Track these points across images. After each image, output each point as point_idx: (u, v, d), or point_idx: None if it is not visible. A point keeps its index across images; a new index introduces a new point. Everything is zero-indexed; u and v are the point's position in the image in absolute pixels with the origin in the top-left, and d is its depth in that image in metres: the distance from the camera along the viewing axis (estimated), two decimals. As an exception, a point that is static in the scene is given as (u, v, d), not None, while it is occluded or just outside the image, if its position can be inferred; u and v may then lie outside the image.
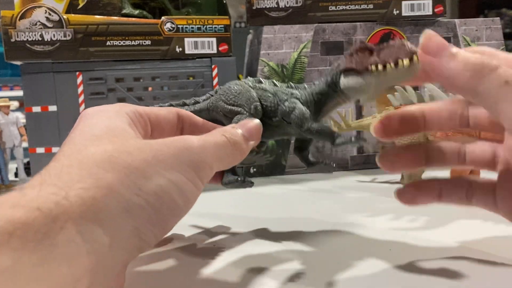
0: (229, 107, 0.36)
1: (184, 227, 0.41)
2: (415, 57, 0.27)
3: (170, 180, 0.24)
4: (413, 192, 0.33)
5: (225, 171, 0.37)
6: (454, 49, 0.26)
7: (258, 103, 0.35)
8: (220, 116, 0.38)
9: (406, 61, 0.28)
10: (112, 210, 0.21)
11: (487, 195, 0.32)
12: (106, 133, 0.25)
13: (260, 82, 0.37)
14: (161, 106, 0.39)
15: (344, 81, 0.32)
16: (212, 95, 0.39)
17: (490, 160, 0.33)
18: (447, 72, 0.26)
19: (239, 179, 0.38)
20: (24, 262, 0.18)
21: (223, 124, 0.38)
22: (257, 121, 0.32)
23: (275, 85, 0.37)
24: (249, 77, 0.38)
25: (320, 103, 0.35)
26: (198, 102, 0.40)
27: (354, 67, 0.31)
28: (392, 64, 0.28)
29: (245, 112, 0.35)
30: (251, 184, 0.38)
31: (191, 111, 0.38)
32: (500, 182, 0.32)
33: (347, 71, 0.32)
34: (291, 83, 0.37)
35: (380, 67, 0.29)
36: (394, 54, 0.29)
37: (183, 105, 0.40)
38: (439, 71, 0.26)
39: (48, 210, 0.19)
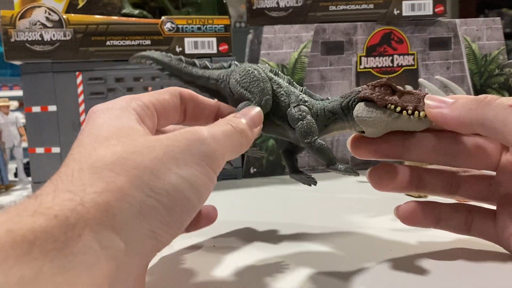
0: (240, 89, 0.34)
1: (184, 227, 0.41)
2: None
3: (182, 177, 0.24)
4: (414, 210, 0.33)
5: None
6: (451, 98, 0.30)
7: (270, 98, 0.34)
8: (225, 91, 0.36)
9: (422, 113, 0.30)
10: (126, 214, 0.21)
11: (487, 224, 0.32)
12: (114, 134, 0.25)
13: (277, 74, 0.36)
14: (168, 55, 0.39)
15: (358, 109, 0.32)
16: (224, 67, 0.37)
17: (484, 192, 0.33)
18: (455, 112, 0.29)
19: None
20: (45, 272, 0.18)
21: (225, 100, 0.37)
22: (258, 109, 0.32)
23: (290, 83, 0.36)
24: (267, 65, 0.36)
25: (328, 121, 0.34)
26: (207, 68, 0.38)
27: (374, 99, 0.31)
28: (410, 111, 0.30)
29: (254, 102, 0.33)
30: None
31: (199, 75, 0.38)
32: (501, 211, 0.32)
33: (365, 101, 0.32)
34: (306, 89, 0.36)
35: (398, 109, 0.30)
36: (414, 102, 0.31)
37: (193, 64, 0.38)
38: (448, 114, 0.29)
39: (65, 218, 0.19)
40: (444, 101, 0.30)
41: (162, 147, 0.24)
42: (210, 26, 0.63)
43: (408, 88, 0.32)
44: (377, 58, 0.68)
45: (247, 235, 0.40)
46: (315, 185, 0.36)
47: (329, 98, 0.35)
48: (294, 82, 0.36)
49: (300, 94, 0.35)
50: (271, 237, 0.39)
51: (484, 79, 0.70)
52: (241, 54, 0.75)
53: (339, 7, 0.67)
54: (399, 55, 0.69)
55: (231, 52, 0.64)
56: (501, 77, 0.70)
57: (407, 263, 0.32)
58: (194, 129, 0.26)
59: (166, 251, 0.36)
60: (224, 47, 0.63)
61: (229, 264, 0.33)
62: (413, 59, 0.69)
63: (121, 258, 0.21)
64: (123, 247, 0.21)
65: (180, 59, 0.39)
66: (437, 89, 0.53)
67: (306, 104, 0.34)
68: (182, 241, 0.37)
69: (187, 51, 0.62)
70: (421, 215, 0.33)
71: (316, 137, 0.33)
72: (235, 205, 0.52)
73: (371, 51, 0.68)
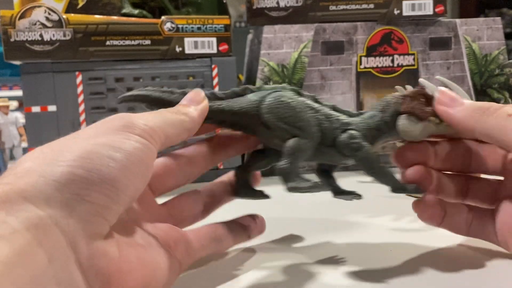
0: (284, 125, 0.30)
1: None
2: None
3: (97, 143, 0.24)
4: (431, 207, 0.33)
5: (239, 184, 0.37)
6: (463, 100, 0.31)
7: (316, 127, 0.31)
8: (252, 124, 0.32)
9: None
10: (37, 185, 0.21)
11: (486, 224, 0.32)
12: None
13: (300, 94, 0.32)
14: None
15: (404, 123, 0.31)
16: (237, 93, 0.32)
17: (490, 196, 0.33)
18: (460, 116, 0.30)
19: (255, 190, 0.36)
20: None
21: (248, 131, 0.33)
22: (202, 93, 0.32)
23: (317, 102, 0.32)
24: (285, 84, 0.32)
25: (373, 139, 0.32)
26: (219, 98, 0.32)
27: (418, 114, 0.31)
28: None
29: (305, 137, 0.30)
30: (265, 197, 0.37)
31: (214, 109, 0.32)
32: (503, 211, 0.32)
33: (408, 115, 0.32)
34: (335, 105, 0.33)
35: (438, 120, 0.31)
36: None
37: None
38: (453, 116, 0.31)
39: None
40: (454, 100, 0.31)
41: (74, 134, 0.26)
42: (210, 26, 0.63)
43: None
44: (377, 58, 0.68)
45: (247, 236, 0.40)
46: (359, 199, 0.35)
47: (357, 112, 0.33)
48: (320, 100, 0.33)
49: (339, 115, 0.32)
50: (270, 237, 0.39)
51: (485, 79, 0.70)
52: (241, 54, 0.75)
53: (339, 7, 0.67)
54: (400, 55, 0.68)
55: (231, 52, 0.64)
56: (501, 77, 0.70)
57: (408, 264, 0.32)
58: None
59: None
60: (224, 47, 0.63)
61: (229, 264, 0.33)
62: (414, 59, 0.69)
63: (48, 225, 0.21)
64: (44, 215, 0.21)
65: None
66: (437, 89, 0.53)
67: (353, 127, 0.32)
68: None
69: (187, 51, 0.62)
70: (434, 212, 0.33)
71: (379, 163, 0.32)
72: (234, 205, 0.52)
73: (371, 51, 0.68)
